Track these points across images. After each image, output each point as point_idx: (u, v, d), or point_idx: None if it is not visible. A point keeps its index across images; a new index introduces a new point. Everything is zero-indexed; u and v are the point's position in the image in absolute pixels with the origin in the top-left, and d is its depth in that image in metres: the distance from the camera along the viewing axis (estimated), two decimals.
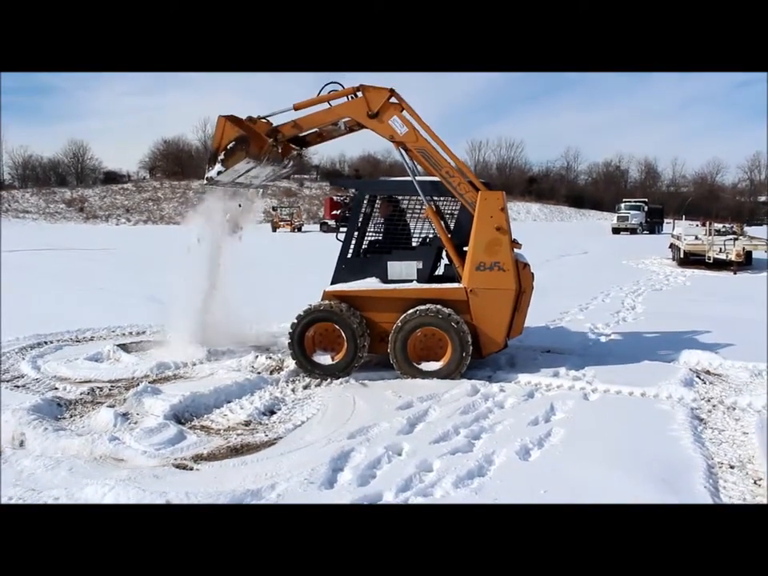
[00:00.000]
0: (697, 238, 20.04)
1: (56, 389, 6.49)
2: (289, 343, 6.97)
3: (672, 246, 22.52)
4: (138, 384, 6.34)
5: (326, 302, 6.96)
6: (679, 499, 3.96)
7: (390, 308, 6.88)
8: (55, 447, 4.91)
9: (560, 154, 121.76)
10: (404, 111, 6.92)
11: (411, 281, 6.93)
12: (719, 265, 18.72)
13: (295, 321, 6.93)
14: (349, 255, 7.20)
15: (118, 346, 7.97)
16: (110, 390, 6.44)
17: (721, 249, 18.74)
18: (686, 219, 26.97)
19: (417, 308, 6.68)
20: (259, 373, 6.90)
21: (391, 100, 6.94)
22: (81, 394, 6.26)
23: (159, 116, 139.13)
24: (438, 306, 6.65)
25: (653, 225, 48.24)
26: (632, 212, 46.42)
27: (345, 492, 4.13)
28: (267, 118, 7.30)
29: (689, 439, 5.02)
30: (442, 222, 7.07)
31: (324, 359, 6.90)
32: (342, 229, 7.47)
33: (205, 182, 7.13)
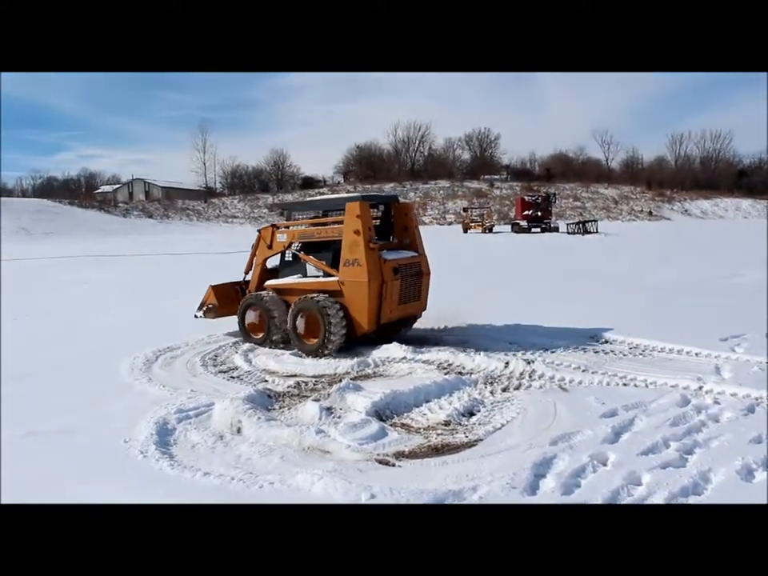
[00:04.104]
0: None
1: (266, 381, 6.94)
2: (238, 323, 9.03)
3: None
4: (341, 380, 6.61)
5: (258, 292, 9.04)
6: None
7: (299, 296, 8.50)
8: (268, 436, 5.22)
9: None
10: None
11: (319, 276, 8.55)
12: None
13: (238, 309, 9.06)
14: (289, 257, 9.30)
15: None
16: (314, 384, 6.75)
17: None
18: None
19: (303, 296, 8.28)
20: (460, 373, 6.90)
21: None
22: (288, 387, 6.64)
23: (352, 122, 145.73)
24: (316, 294, 8.18)
25: None
26: None
27: (548, 500, 4.00)
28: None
29: None
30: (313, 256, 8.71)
31: (258, 336, 8.84)
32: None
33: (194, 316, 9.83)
